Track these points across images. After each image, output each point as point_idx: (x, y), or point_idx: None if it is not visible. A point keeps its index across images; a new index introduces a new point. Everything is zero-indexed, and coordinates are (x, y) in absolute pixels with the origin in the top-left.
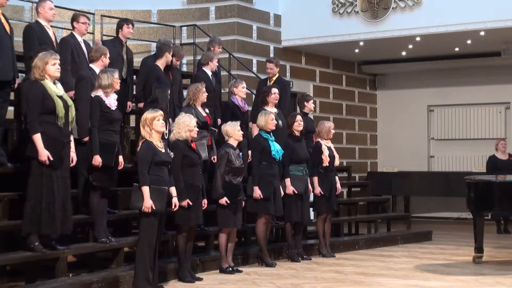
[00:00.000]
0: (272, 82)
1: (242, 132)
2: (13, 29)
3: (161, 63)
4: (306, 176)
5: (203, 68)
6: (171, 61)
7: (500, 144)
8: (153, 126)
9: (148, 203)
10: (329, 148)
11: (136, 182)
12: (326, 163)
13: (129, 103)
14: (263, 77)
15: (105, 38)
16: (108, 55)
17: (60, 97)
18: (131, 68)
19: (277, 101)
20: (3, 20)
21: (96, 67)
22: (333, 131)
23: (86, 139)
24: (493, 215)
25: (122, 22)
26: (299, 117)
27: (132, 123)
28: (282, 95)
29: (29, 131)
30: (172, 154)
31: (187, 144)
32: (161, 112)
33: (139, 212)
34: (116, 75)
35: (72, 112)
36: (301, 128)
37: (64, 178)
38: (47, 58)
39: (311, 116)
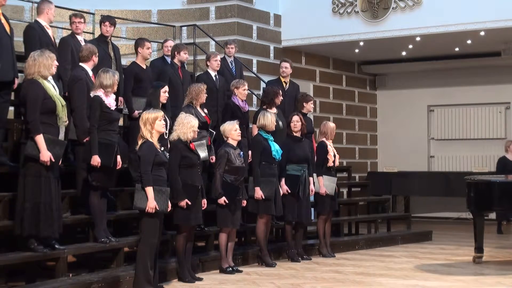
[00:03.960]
0: (288, 83)
1: (240, 132)
2: (13, 29)
3: (139, 61)
4: (304, 176)
5: (207, 69)
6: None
7: (511, 146)
8: (155, 126)
9: (152, 204)
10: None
11: (133, 181)
12: (331, 162)
13: (120, 98)
14: (263, 77)
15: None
16: (97, 54)
17: (55, 97)
18: (119, 65)
19: (279, 103)
20: (3, 20)
21: (87, 67)
22: (335, 132)
23: (86, 139)
24: (498, 216)
25: (101, 19)
26: (295, 118)
27: None
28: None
29: (31, 131)
30: (167, 154)
31: (186, 145)
32: (162, 113)
33: (140, 212)
34: (117, 76)
35: (65, 112)
36: (297, 128)
37: (56, 178)
38: (52, 55)
39: (310, 116)
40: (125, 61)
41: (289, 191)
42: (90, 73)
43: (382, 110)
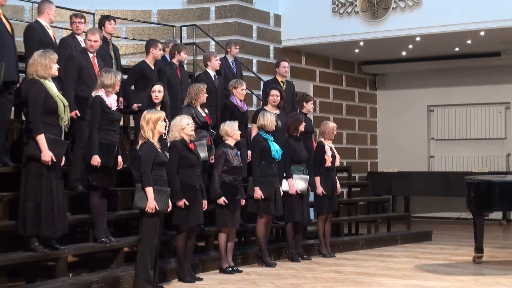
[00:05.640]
0: (284, 83)
1: (240, 132)
2: (14, 29)
3: (149, 60)
4: (307, 176)
5: (206, 69)
6: (181, 60)
7: None
8: (157, 127)
9: (152, 204)
10: (330, 148)
11: (133, 181)
12: (328, 163)
13: (120, 98)
14: (263, 77)
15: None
16: (92, 39)
17: (57, 97)
18: (119, 65)
19: (275, 103)
20: (4, 20)
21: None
22: (335, 131)
23: (73, 114)
24: None
25: (104, 19)
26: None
27: (133, 123)
28: (294, 96)
29: (32, 131)
30: (168, 154)
31: (185, 145)
32: (164, 114)
33: (140, 212)
34: (119, 77)
35: (67, 112)
36: (303, 129)
37: (59, 178)
38: (53, 57)
39: (310, 116)
40: (125, 61)
41: (299, 192)
42: (90, 55)
43: (382, 110)
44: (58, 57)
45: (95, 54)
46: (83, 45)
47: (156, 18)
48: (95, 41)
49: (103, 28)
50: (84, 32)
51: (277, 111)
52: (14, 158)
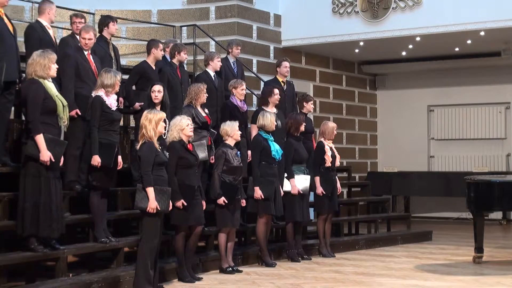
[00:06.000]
0: (285, 83)
1: (241, 132)
2: (16, 29)
3: (150, 60)
4: (308, 175)
5: (206, 69)
6: (181, 60)
7: None
8: (158, 127)
9: (153, 204)
10: (330, 148)
11: (133, 181)
12: (328, 163)
13: (120, 99)
14: (263, 77)
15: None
16: (87, 37)
17: (56, 97)
18: (119, 65)
19: (277, 102)
20: (6, 20)
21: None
22: (335, 131)
23: (73, 113)
24: None
25: (108, 19)
26: (303, 118)
27: (133, 123)
28: (294, 96)
29: (31, 131)
30: (167, 154)
31: (184, 145)
32: (165, 114)
33: (141, 212)
34: (119, 77)
35: (66, 112)
36: (303, 129)
37: (57, 178)
38: (52, 57)
39: (310, 116)
40: (125, 61)
41: (301, 192)
42: (85, 52)
43: (382, 110)
44: (58, 57)
45: (90, 52)
46: None
47: (156, 18)
48: (89, 39)
49: (106, 28)
50: None
51: (275, 110)
52: (14, 158)
